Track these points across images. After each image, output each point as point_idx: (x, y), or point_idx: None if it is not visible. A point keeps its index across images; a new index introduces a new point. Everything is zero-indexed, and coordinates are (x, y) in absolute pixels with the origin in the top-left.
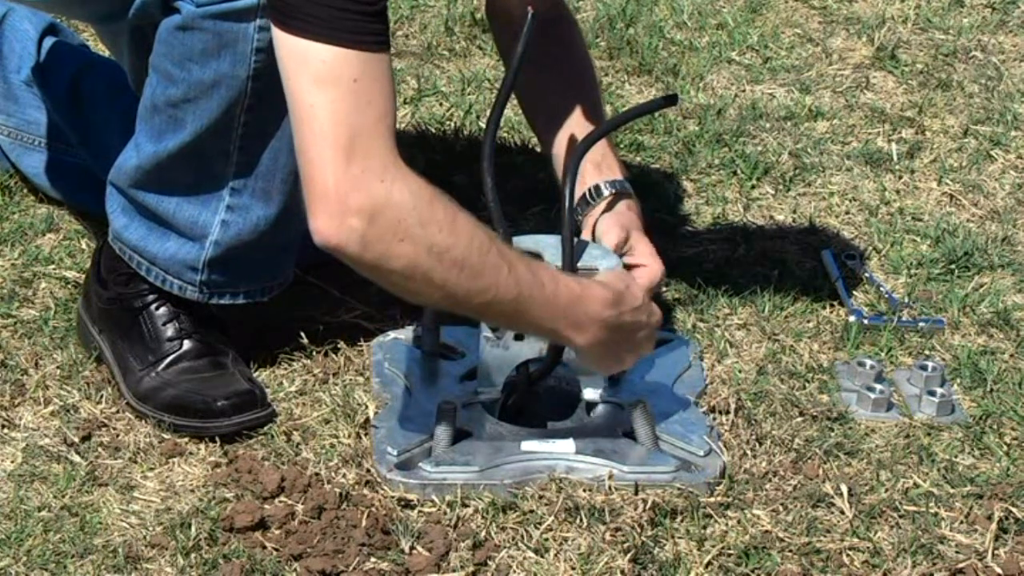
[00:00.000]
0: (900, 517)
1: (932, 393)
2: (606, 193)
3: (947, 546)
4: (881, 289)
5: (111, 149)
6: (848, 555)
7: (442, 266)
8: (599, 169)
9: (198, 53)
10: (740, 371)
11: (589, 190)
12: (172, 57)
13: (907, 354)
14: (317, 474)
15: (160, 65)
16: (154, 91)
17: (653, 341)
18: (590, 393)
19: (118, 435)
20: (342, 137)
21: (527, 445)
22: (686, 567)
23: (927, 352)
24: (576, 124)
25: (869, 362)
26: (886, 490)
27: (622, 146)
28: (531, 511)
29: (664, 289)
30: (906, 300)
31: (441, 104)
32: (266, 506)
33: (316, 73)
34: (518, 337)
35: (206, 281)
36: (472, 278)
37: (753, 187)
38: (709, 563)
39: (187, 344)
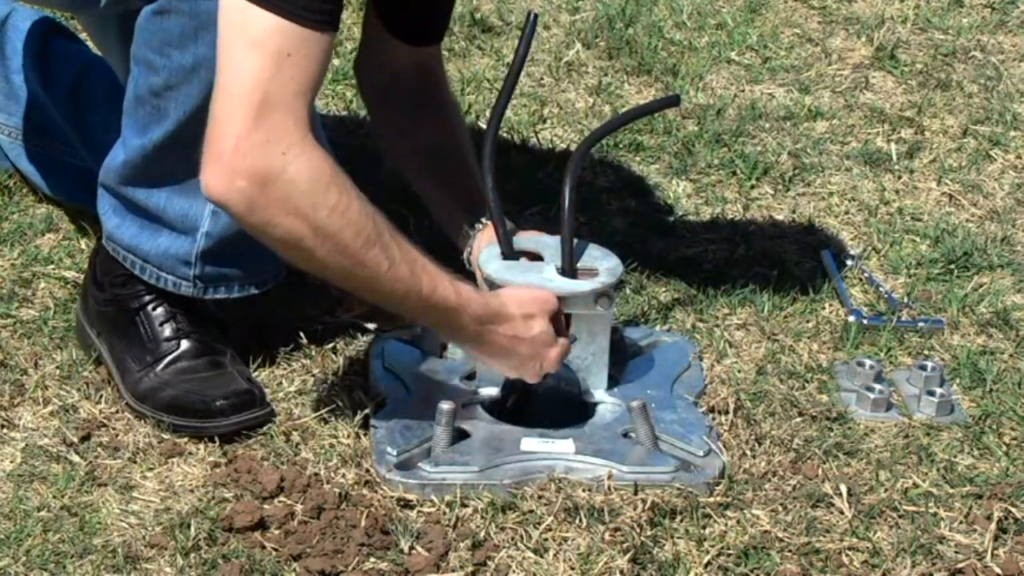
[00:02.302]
0: (899, 517)
1: (931, 393)
2: (480, 228)
3: (946, 546)
4: (880, 289)
5: (110, 150)
6: (847, 555)
7: (325, 248)
8: (468, 207)
9: (176, 37)
10: (739, 371)
11: (464, 228)
12: (152, 45)
13: (906, 354)
14: (316, 474)
15: (141, 55)
16: (136, 83)
17: (548, 362)
18: (590, 393)
19: (117, 435)
20: (254, 103)
21: (526, 445)
22: (685, 567)
23: (926, 352)
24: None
25: (868, 362)
26: (885, 490)
27: (621, 146)
28: (530, 511)
29: (664, 289)
30: (905, 300)
31: None
32: (265, 506)
33: (250, 37)
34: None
35: (199, 275)
36: (352, 265)
37: (753, 187)
38: (708, 563)
39: (185, 344)
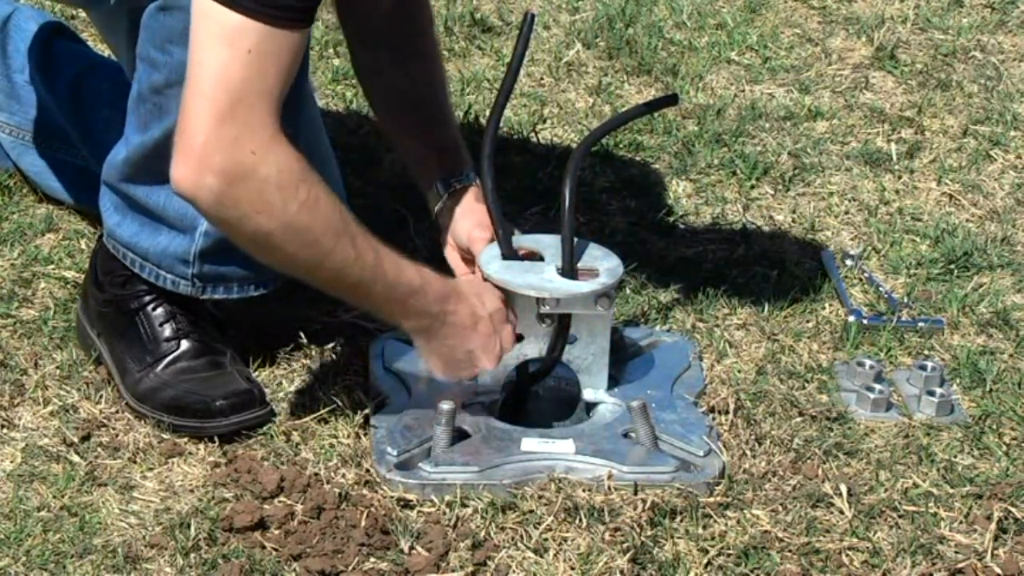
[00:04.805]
0: (899, 517)
1: (931, 393)
2: (456, 188)
3: (946, 546)
4: (880, 289)
5: (113, 148)
6: (847, 555)
7: (293, 244)
8: (442, 161)
9: (178, 34)
10: (739, 371)
11: (436, 185)
12: (155, 42)
13: (906, 354)
14: (316, 474)
15: (145, 53)
16: (140, 81)
17: (494, 353)
18: (590, 393)
19: (117, 435)
20: (221, 99)
21: (527, 445)
22: (685, 567)
23: (926, 352)
24: (419, 108)
25: (868, 362)
26: (885, 490)
27: (621, 146)
28: (530, 511)
29: (664, 289)
30: (905, 300)
31: None
32: (265, 506)
33: (214, 33)
34: (519, 338)
35: (198, 274)
36: (319, 259)
37: (752, 187)
38: (708, 563)
39: (185, 344)
